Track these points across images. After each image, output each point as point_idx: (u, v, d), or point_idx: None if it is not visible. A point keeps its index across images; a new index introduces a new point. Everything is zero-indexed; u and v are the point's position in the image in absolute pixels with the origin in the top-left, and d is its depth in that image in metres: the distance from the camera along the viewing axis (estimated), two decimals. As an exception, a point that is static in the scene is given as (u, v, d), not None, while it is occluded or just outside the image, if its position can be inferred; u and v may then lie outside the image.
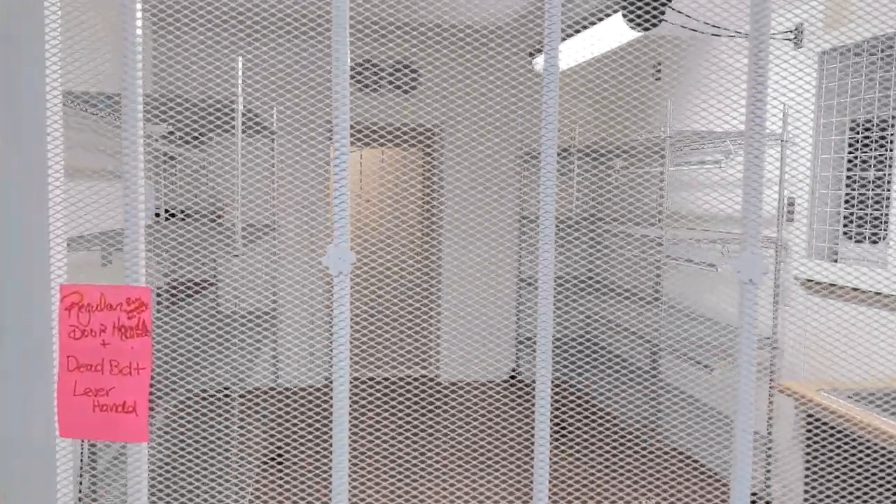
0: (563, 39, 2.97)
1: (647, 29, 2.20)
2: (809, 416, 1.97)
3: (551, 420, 3.93)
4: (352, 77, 4.42)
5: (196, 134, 3.45)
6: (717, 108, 3.03)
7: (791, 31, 2.63)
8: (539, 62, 3.11)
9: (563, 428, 3.86)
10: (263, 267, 4.37)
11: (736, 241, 2.66)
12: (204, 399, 3.14)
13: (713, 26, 2.57)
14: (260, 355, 2.84)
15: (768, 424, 2.75)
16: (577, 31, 2.88)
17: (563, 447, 3.55)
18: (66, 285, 1.14)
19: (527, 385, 4.72)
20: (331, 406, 3.96)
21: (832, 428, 1.94)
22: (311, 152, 4.41)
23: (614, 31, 2.71)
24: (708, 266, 2.81)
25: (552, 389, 4.37)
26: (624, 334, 3.82)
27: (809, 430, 1.98)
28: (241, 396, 4.15)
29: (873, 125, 2.37)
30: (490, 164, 4.64)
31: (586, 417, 4.03)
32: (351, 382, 4.57)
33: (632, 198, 4.16)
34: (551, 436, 3.56)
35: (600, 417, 4.03)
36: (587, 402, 4.33)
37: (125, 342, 1.13)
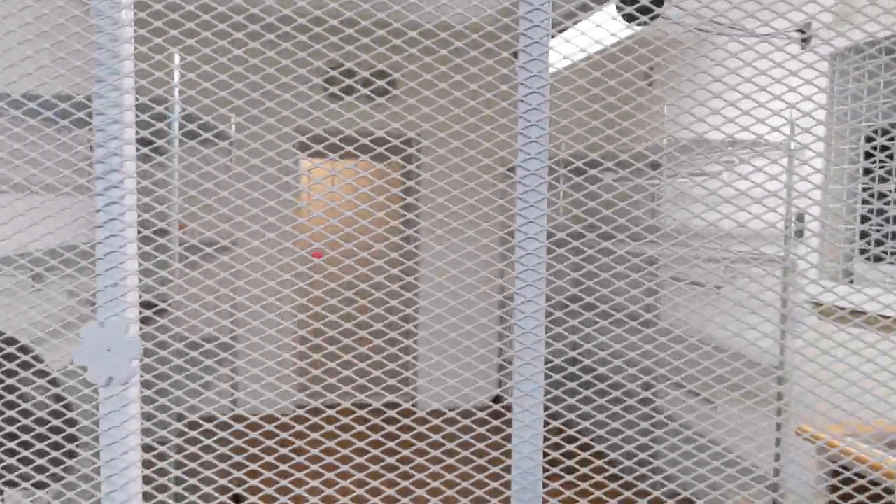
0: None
1: (643, 23, 1.93)
2: (833, 464, 1.69)
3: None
4: (323, 84, 4.13)
5: (146, 142, 3.12)
6: (720, 116, 2.78)
7: (799, 30, 2.38)
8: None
9: (551, 462, 3.55)
10: (220, 287, 4.03)
11: (744, 259, 2.38)
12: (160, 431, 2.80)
13: (715, 23, 2.32)
14: (215, 383, 2.51)
15: (776, 468, 2.46)
16: (561, 31, 2.61)
17: (548, 482, 3.24)
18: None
19: (510, 411, 4.41)
20: (298, 437, 3.65)
21: (863, 477, 1.65)
22: (274, 162, 4.10)
23: (602, 31, 2.45)
24: (712, 287, 2.53)
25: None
26: (614, 359, 3.53)
27: (835, 481, 1.69)
28: (193, 427, 3.80)
29: None
30: (471, 176, 4.36)
31: (573, 449, 3.73)
32: (322, 410, 4.23)
33: (623, 212, 3.90)
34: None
35: (588, 449, 3.73)
36: (573, 432, 4.03)
37: None
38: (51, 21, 2.44)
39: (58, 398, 1.17)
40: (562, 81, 4.41)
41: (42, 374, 1.19)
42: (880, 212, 2.17)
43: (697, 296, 3.12)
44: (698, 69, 3.19)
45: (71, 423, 1.17)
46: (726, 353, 2.84)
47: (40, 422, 1.11)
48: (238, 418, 4.17)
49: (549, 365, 4.31)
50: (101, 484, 0.66)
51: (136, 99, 1.74)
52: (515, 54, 2.79)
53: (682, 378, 2.49)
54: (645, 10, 1.95)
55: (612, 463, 3.53)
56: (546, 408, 4.22)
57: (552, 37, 2.63)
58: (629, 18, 1.90)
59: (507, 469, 3.51)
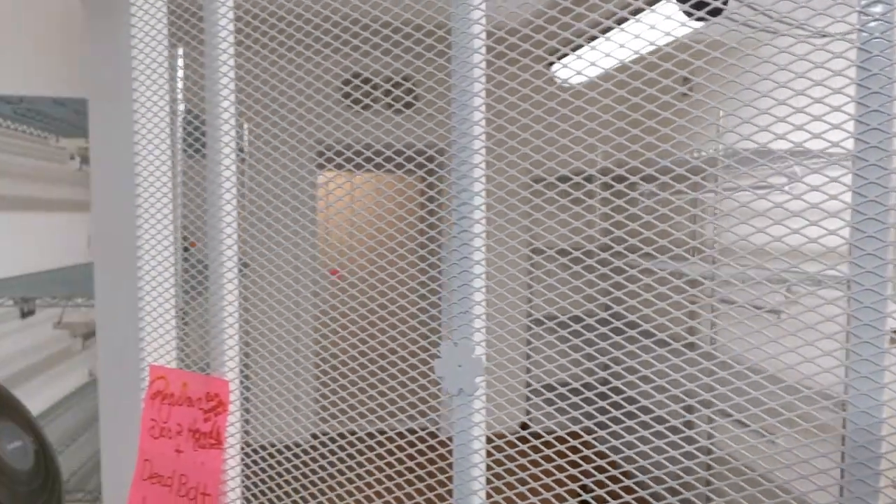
0: (582, 46, 2.51)
1: (704, 19, 1.73)
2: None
3: (571, 479, 3.39)
4: (342, 93, 3.96)
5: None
6: (784, 124, 2.56)
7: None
8: (560, 70, 2.64)
9: (584, 488, 3.31)
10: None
11: (807, 280, 2.15)
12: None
13: (784, 22, 2.11)
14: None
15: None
16: (605, 32, 2.41)
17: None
18: (156, 366, 0.99)
19: (538, 437, 4.17)
20: (318, 466, 3.43)
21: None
22: (294, 175, 3.92)
23: (638, 36, 2.25)
24: (768, 312, 2.30)
25: (566, 441, 3.85)
26: (651, 385, 3.28)
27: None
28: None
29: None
30: (496, 189, 4.17)
31: (607, 478, 3.48)
32: (344, 437, 4.01)
33: (663, 228, 3.67)
34: (572, 496, 3.06)
35: (623, 477, 3.47)
36: (609, 460, 3.78)
37: (196, 453, 0.99)
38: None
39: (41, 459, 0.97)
40: (594, 87, 4.22)
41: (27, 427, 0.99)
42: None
43: (753, 320, 2.89)
44: (757, 73, 2.97)
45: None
46: (784, 384, 2.60)
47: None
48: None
49: (602, 393, 4.08)
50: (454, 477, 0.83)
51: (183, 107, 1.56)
52: (551, 62, 2.60)
53: (737, 411, 2.26)
54: (706, 6, 1.75)
55: (656, 497, 3.28)
56: (580, 434, 3.98)
57: (593, 38, 2.44)
58: (698, 7, 1.70)
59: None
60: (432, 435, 4.17)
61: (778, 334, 2.63)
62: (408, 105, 4.02)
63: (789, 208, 2.41)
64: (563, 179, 3.78)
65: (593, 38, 2.46)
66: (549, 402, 3.94)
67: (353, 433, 4.15)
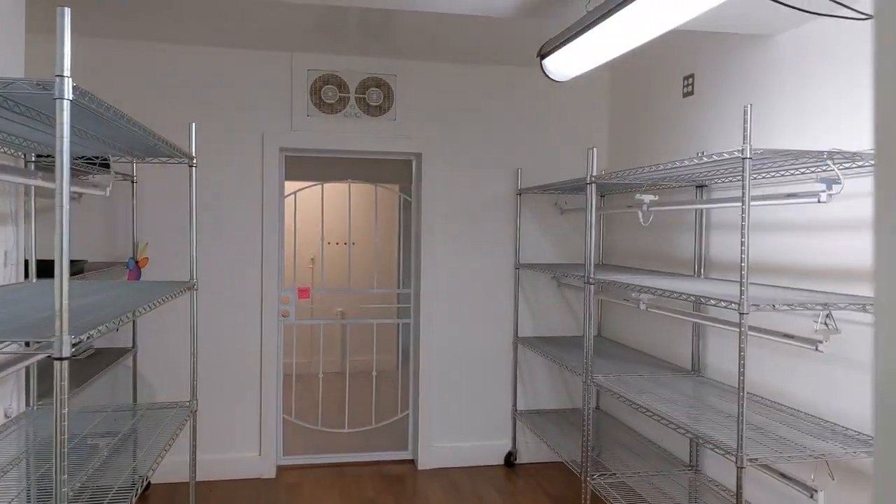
0: (573, 37, 2.19)
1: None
2: None
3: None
4: (312, 96, 3.60)
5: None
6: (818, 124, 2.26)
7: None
8: (552, 65, 2.32)
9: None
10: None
11: (854, 304, 1.84)
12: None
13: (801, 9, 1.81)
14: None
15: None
16: (591, 26, 2.09)
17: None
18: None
19: (524, 467, 3.82)
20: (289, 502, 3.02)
21: None
22: (250, 182, 3.54)
23: (634, 27, 1.94)
24: (803, 343, 1.98)
25: (545, 469, 3.49)
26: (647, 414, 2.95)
27: None
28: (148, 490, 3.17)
29: None
30: (480, 200, 3.83)
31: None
32: (306, 468, 3.61)
33: (666, 241, 3.36)
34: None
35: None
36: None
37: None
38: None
39: None
40: (593, 83, 3.91)
41: None
42: None
43: (785, 351, 2.58)
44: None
45: None
46: (823, 423, 2.29)
47: None
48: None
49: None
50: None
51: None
52: (543, 53, 2.27)
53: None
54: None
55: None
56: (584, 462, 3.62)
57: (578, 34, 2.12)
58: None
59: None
60: (409, 463, 3.80)
61: (815, 368, 2.32)
62: (381, 108, 3.67)
63: (827, 219, 2.11)
64: (553, 188, 3.45)
65: (585, 28, 2.14)
66: (539, 428, 3.59)
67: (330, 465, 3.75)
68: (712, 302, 2.00)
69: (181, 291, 2.14)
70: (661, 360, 3.27)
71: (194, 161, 2.30)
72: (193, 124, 2.31)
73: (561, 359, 3.25)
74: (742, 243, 1.83)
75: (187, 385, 3.54)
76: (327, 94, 3.60)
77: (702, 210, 2.96)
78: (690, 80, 3.09)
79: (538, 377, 3.95)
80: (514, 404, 3.90)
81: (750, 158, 1.81)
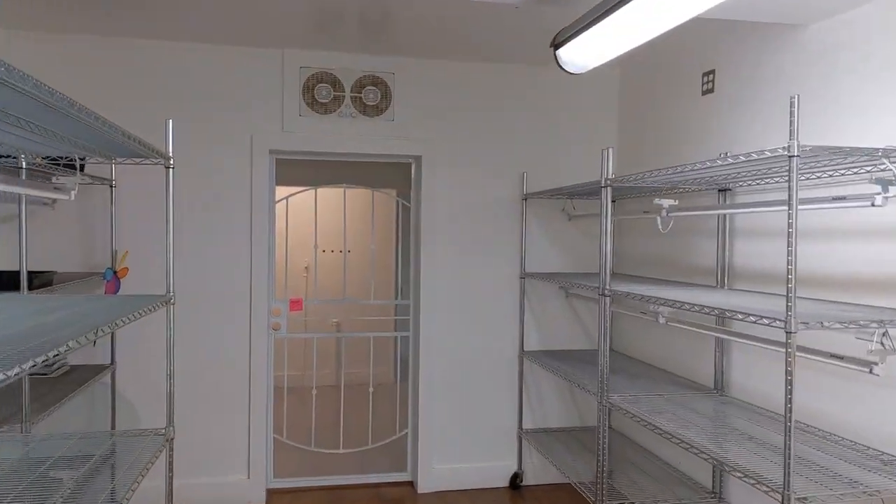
0: (590, 24, 1.98)
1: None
2: None
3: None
4: (305, 96, 3.38)
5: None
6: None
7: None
8: (566, 56, 2.10)
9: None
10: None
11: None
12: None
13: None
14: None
15: None
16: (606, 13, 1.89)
17: None
18: None
19: (531, 490, 3.58)
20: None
21: None
22: (235, 184, 3.32)
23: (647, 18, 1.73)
24: (856, 365, 1.76)
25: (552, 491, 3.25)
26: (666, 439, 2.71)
27: None
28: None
29: None
30: (483, 205, 3.61)
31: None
32: (298, 492, 3.37)
33: (683, 249, 3.14)
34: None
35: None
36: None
37: None
38: None
39: None
40: (602, 82, 3.70)
41: None
42: None
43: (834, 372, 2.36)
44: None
45: None
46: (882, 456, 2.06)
47: None
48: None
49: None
50: None
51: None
52: (557, 43, 2.06)
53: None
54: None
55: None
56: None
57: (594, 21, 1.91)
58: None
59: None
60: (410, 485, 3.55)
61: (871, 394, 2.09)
62: (380, 108, 3.46)
63: (880, 224, 1.88)
64: (564, 193, 3.24)
65: (604, 13, 1.92)
66: (546, 447, 3.36)
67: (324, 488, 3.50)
68: (752, 319, 1.77)
69: (156, 306, 1.91)
70: (680, 378, 3.05)
71: (171, 162, 2.08)
72: (170, 121, 2.08)
73: (571, 375, 3.02)
74: (789, 252, 1.61)
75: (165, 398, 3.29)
76: (321, 93, 3.38)
77: (725, 215, 2.74)
78: (711, 77, 2.88)
79: (545, 393, 3.72)
80: (520, 422, 3.67)
81: (798, 156, 1.59)
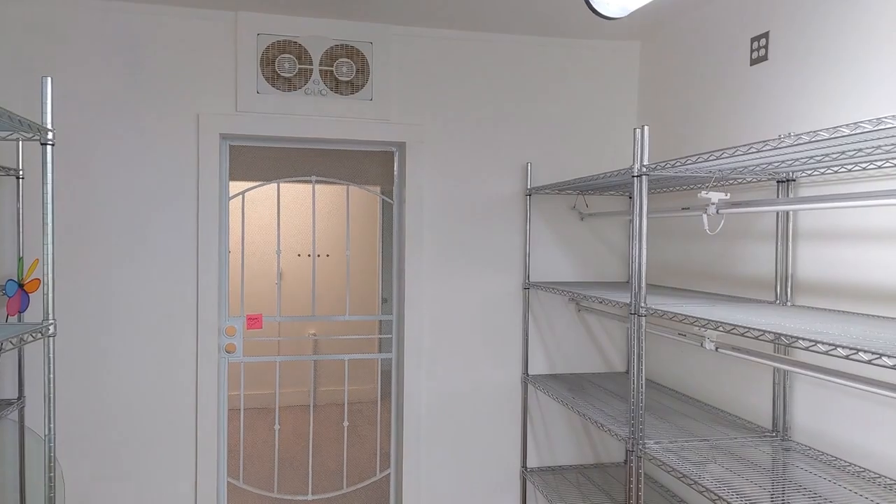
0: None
1: None
2: None
3: None
4: (264, 68, 2.79)
5: None
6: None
7: None
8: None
9: None
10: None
11: None
12: None
13: None
14: None
15: None
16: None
17: None
18: None
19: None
20: None
21: None
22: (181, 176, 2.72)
23: None
24: None
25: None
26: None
27: None
28: None
29: None
30: (479, 202, 3.03)
31: None
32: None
33: (729, 255, 2.57)
34: None
35: None
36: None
37: None
38: None
39: None
40: (620, 56, 3.13)
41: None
42: None
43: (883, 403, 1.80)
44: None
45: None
46: None
47: None
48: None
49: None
50: None
51: None
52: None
53: None
54: None
55: None
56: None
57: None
58: None
59: None
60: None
61: None
62: (356, 85, 2.87)
63: None
64: (578, 186, 2.66)
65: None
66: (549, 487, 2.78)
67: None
68: (863, 357, 1.21)
69: (28, 337, 1.32)
70: (727, 415, 2.47)
71: (50, 136, 1.48)
72: (48, 80, 1.49)
73: (587, 411, 2.44)
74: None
75: (92, 438, 2.69)
76: (283, 66, 2.79)
77: (787, 213, 2.17)
78: (763, 42, 2.31)
79: (553, 424, 3.14)
80: (524, 460, 3.09)
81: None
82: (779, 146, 1.45)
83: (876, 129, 1.24)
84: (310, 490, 3.12)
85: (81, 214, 2.66)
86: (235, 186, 2.99)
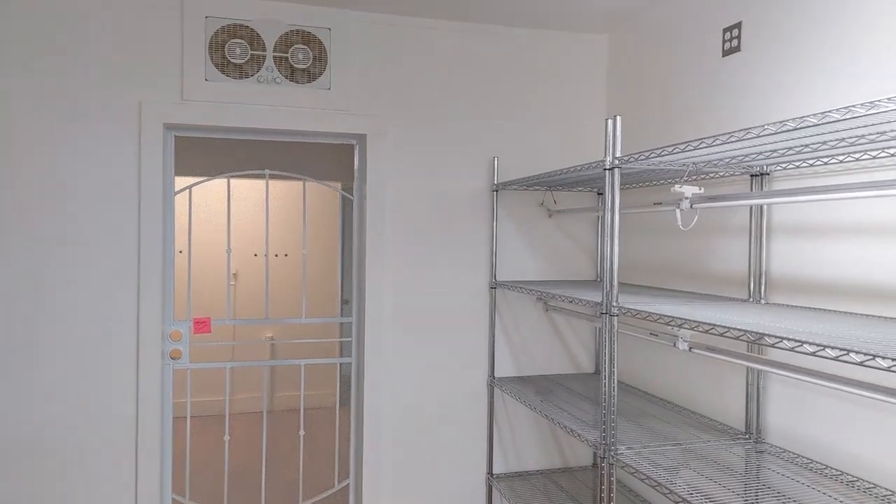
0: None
1: None
2: None
3: None
4: (213, 54, 2.60)
5: None
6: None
7: None
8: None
9: None
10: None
11: None
12: None
13: None
14: None
15: None
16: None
17: None
18: None
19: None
20: None
21: None
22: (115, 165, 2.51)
23: None
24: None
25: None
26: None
27: None
28: None
29: None
30: (443, 198, 2.91)
31: None
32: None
33: (701, 251, 2.50)
34: None
35: None
36: None
37: None
38: None
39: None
40: (587, 49, 3.04)
41: None
42: None
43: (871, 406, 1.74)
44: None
45: None
46: None
47: None
48: None
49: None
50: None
51: None
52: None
53: None
54: None
55: None
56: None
57: None
58: None
59: None
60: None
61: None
62: (313, 73, 2.71)
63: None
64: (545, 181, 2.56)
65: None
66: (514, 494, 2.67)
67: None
68: (855, 358, 1.13)
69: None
70: (699, 416, 2.40)
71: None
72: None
73: (556, 415, 2.34)
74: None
75: (18, 458, 2.45)
76: (234, 52, 2.61)
77: (760, 208, 2.11)
78: (736, 32, 2.25)
79: (520, 428, 3.03)
80: (490, 466, 2.97)
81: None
82: (762, 134, 1.37)
83: (868, 113, 1.16)
84: (264, 504, 2.94)
85: (7, 211, 2.42)
86: (182, 181, 2.79)
